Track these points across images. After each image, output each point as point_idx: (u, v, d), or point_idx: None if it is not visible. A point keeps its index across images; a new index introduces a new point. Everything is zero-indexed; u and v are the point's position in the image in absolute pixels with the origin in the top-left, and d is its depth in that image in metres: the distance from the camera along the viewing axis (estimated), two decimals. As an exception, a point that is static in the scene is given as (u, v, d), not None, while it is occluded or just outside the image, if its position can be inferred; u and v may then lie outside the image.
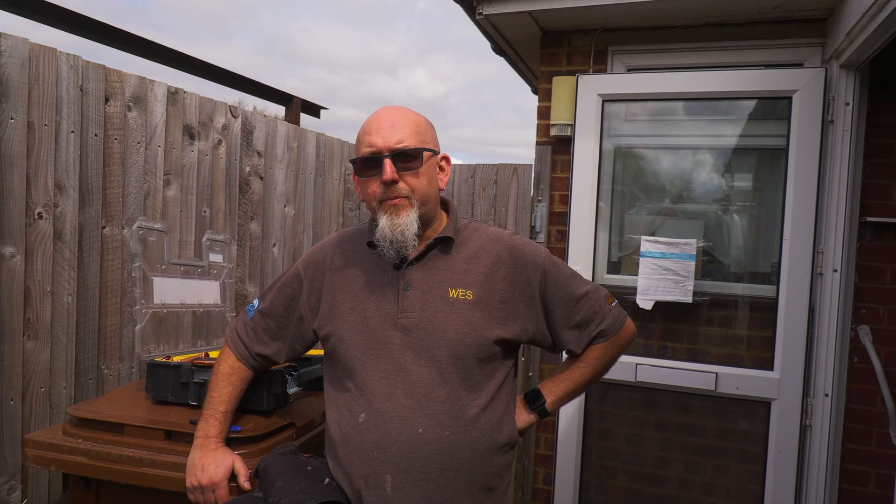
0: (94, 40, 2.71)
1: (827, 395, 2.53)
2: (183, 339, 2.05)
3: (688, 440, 2.86)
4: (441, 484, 1.40)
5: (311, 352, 1.83)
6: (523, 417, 1.62)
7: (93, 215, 2.26)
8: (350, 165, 3.87)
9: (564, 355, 1.70)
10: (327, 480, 1.47)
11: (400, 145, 1.43)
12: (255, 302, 1.69)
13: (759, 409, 2.65)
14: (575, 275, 1.60)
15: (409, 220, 1.43)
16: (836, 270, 2.51)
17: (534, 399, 1.64)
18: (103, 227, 2.29)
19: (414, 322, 1.45)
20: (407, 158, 1.44)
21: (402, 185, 1.44)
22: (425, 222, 1.49)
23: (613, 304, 1.63)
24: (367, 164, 1.46)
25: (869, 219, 2.59)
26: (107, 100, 2.28)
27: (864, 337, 2.65)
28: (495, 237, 1.56)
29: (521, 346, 1.60)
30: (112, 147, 2.30)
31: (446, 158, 1.57)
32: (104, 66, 2.25)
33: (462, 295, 1.47)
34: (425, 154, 1.46)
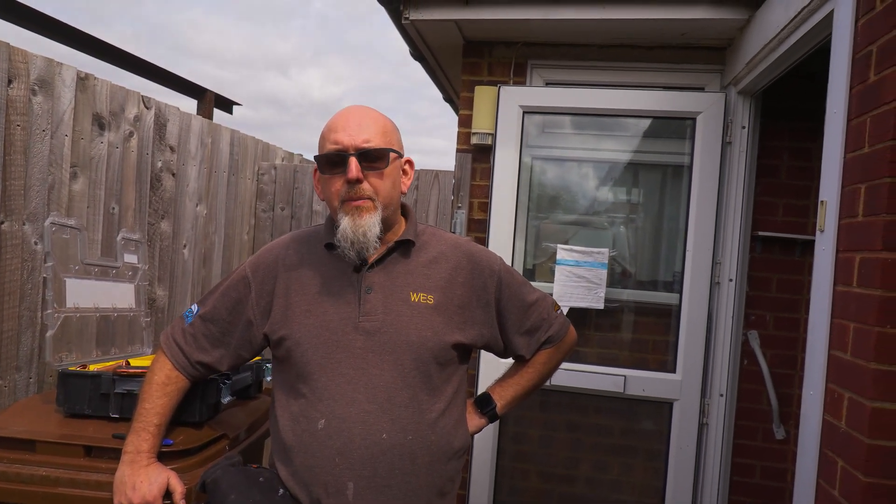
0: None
1: (722, 395, 2.74)
2: (92, 345, 1.89)
3: (597, 440, 3.00)
4: (403, 489, 1.39)
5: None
6: (475, 422, 1.64)
7: (-11, 209, 2.03)
8: (263, 165, 3.74)
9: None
10: (281, 492, 1.42)
11: (366, 144, 1.41)
12: (194, 307, 1.59)
13: (662, 409, 2.83)
14: (526, 282, 1.64)
15: (371, 222, 1.41)
16: (731, 280, 2.73)
17: (485, 403, 1.66)
18: (1, 223, 2.06)
19: (377, 325, 1.43)
20: (372, 158, 1.42)
21: (366, 185, 1.41)
22: (387, 226, 1.47)
23: (559, 311, 1.69)
24: (332, 161, 1.42)
25: (759, 233, 2.85)
26: (9, 81, 2.05)
27: (753, 341, 2.90)
28: (454, 243, 1.57)
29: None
30: (14, 134, 2.07)
31: (410, 162, 1.56)
32: (7, 44, 2.03)
33: (424, 299, 1.46)
34: (391, 155, 1.45)
